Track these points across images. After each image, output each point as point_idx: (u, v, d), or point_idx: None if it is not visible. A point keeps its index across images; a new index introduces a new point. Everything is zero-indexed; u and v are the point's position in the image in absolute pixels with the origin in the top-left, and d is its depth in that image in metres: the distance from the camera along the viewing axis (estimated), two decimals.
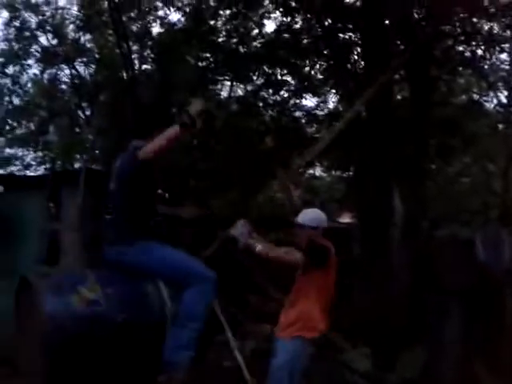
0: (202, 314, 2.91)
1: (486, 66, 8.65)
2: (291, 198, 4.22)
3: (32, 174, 13.59)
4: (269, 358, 3.36)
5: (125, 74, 9.77)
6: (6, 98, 11.75)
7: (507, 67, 9.43)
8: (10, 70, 11.30)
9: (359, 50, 7.91)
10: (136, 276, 3.04)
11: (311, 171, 12.38)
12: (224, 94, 10.50)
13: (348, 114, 6.27)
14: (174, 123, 2.85)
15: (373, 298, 6.03)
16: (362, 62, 7.86)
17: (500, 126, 10.85)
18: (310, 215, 3.52)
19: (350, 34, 7.95)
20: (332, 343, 5.26)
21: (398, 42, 7.35)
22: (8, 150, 13.77)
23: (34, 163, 13.90)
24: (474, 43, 7.89)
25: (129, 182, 3.00)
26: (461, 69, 8.59)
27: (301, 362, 3.28)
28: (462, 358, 4.82)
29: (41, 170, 13.48)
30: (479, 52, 8.03)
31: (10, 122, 11.95)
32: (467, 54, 8.08)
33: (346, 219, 12.20)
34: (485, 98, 10.08)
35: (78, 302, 2.85)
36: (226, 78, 9.76)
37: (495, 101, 10.22)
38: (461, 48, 8.10)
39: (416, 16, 7.57)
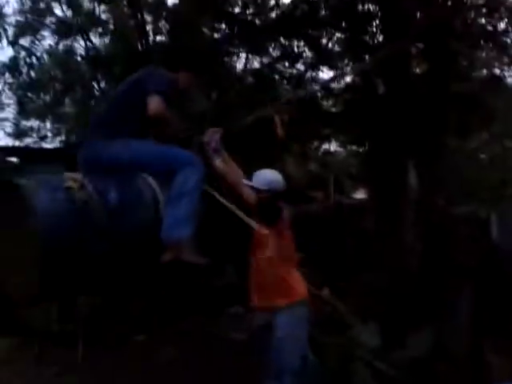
0: (192, 191, 2.88)
1: (508, 40, 8.39)
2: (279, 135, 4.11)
3: (48, 145, 13.72)
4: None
5: (139, 46, 9.70)
6: (24, 71, 11.74)
7: None
8: (26, 42, 11.24)
9: (377, 22, 7.73)
10: (122, 170, 3.03)
11: (326, 146, 12.28)
12: (239, 66, 10.37)
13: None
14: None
15: (384, 275, 6.02)
16: (380, 35, 7.69)
17: None
18: (266, 176, 3.44)
19: (369, 5, 7.75)
20: (340, 318, 5.29)
21: (417, 15, 7.15)
22: (24, 122, 13.88)
23: (49, 135, 14.00)
24: (496, 16, 7.65)
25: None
26: (482, 42, 8.34)
27: (303, 328, 3.28)
28: (473, 337, 4.82)
29: (56, 142, 13.58)
30: (502, 25, 7.80)
31: (28, 95, 11.94)
32: (489, 27, 7.84)
33: (360, 195, 12.16)
34: (506, 73, 9.80)
35: (74, 185, 2.83)
36: (241, 50, 9.61)
37: None
38: (483, 21, 7.86)
39: None
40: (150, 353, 5.34)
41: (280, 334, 3.24)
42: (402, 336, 5.11)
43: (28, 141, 14.20)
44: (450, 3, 7.08)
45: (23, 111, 12.97)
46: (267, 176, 3.46)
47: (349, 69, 9.05)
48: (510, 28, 7.88)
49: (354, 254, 8.51)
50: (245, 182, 3.38)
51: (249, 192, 3.28)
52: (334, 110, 9.94)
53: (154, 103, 2.87)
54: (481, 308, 5.05)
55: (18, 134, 14.07)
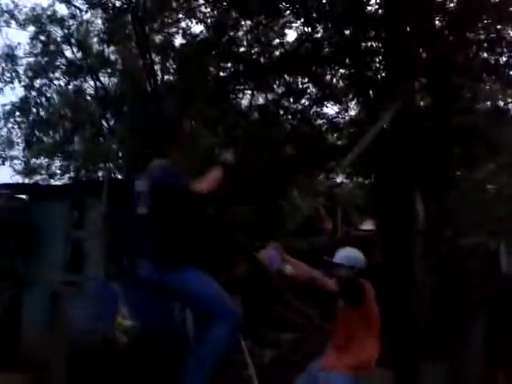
0: (222, 349, 2.94)
1: (510, 73, 8.52)
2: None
3: (56, 183, 13.87)
4: (287, 366, 3.33)
5: (148, 85, 9.93)
6: (33, 110, 12.02)
7: None
8: (37, 83, 11.56)
9: (380, 58, 7.89)
10: (165, 299, 3.04)
11: (332, 178, 12.32)
12: (245, 102, 10.57)
13: (377, 125, 6.22)
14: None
15: (395, 308, 5.95)
16: (384, 71, 7.84)
17: None
18: (347, 254, 3.49)
19: (372, 42, 7.93)
20: None
21: (421, 50, 7.30)
22: (34, 160, 14.07)
23: (58, 172, 14.18)
24: (498, 50, 7.79)
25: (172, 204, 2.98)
26: (484, 76, 8.47)
27: None
28: (486, 370, 4.73)
29: (65, 179, 13.73)
30: (503, 59, 7.93)
31: (37, 133, 12.19)
32: (491, 60, 7.97)
33: (367, 226, 12.11)
34: (510, 105, 9.92)
35: (121, 332, 2.88)
36: (247, 87, 9.82)
37: None
38: (485, 55, 8.01)
39: (439, 23, 7.53)
40: None
41: None
42: (414, 369, 5.03)
43: (37, 178, 14.38)
44: (451, 38, 7.23)
45: (33, 149, 13.20)
46: (351, 253, 3.53)
47: (354, 107, 9.17)
48: (511, 61, 8.02)
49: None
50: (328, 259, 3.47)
51: (326, 280, 3.33)
52: (339, 143, 10.03)
53: (195, 188, 2.90)
54: (494, 340, 4.97)
55: (28, 171, 14.27)
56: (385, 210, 7.34)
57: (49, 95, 12.10)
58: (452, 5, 7.41)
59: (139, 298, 3.05)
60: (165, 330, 3.06)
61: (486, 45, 7.69)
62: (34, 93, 11.60)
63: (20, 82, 11.25)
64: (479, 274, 5.70)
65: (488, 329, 5.11)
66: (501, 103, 9.97)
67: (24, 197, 11.17)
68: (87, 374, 2.87)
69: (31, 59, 11.47)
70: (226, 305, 2.99)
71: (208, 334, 2.92)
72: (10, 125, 12.60)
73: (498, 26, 7.44)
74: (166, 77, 10.68)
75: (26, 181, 13.98)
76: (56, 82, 12.00)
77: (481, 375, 4.79)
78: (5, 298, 5.50)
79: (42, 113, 12.19)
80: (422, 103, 8.66)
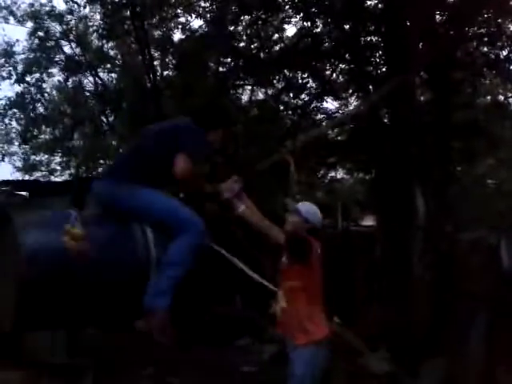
0: (183, 261, 2.89)
1: (510, 68, 8.50)
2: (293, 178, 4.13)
3: (57, 179, 13.87)
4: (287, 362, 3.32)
5: (147, 81, 9.90)
6: (30, 106, 11.98)
7: None
8: (33, 78, 11.50)
9: (380, 53, 7.86)
10: (122, 218, 3.04)
11: (332, 174, 12.33)
12: (245, 98, 10.54)
13: (356, 108, 6.24)
14: None
15: (395, 303, 5.96)
16: (384, 66, 7.82)
17: None
18: (308, 207, 3.46)
19: (371, 37, 7.90)
20: (350, 346, 5.23)
21: (421, 45, 7.28)
22: (33, 157, 14.07)
23: (58, 168, 14.18)
24: (498, 44, 7.77)
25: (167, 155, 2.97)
26: (485, 70, 8.45)
27: (320, 367, 3.25)
28: (486, 366, 4.74)
29: (65, 176, 13.73)
30: (504, 53, 7.91)
31: (32, 129, 12.15)
32: (491, 55, 7.95)
33: (367, 222, 12.11)
34: (510, 100, 9.91)
35: (69, 240, 2.84)
36: (247, 82, 9.79)
37: None
38: (485, 49, 7.98)
39: (439, 18, 7.50)
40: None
41: (295, 371, 3.24)
42: (413, 365, 5.03)
43: (37, 175, 14.38)
44: (452, 33, 7.21)
45: (32, 145, 13.18)
46: (307, 206, 3.49)
47: (354, 103, 9.19)
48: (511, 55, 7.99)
49: (362, 282, 8.44)
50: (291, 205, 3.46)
51: (276, 232, 3.31)
52: (339, 138, 10.02)
53: (182, 163, 2.89)
54: (494, 335, 4.98)
55: (28, 168, 14.27)
56: (385, 205, 7.35)
57: (47, 91, 12.06)
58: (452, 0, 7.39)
59: (99, 223, 3.04)
60: (129, 258, 3.03)
61: (486, 39, 7.66)
62: (32, 89, 11.55)
63: (18, 77, 11.20)
64: (479, 269, 5.69)
65: (488, 324, 5.11)
66: (501, 98, 9.97)
67: (24, 193, 11.18)
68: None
69: (30, 55, 11.42)
70: (190, 215, 2.97)
71: (171, 246, 2.89)
72: (7, 120, 12.60)
73: (499, 20, 7.41)
74: (165, 72, 10.64)
75: (26, 177, 14.01)
76: (55, 78, 11.96)
77: (481, 371, 4.80)
78: None
79: (40, 109, 12.16)
80: (422, 98, 8.64)
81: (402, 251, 6.49)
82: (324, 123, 9.77)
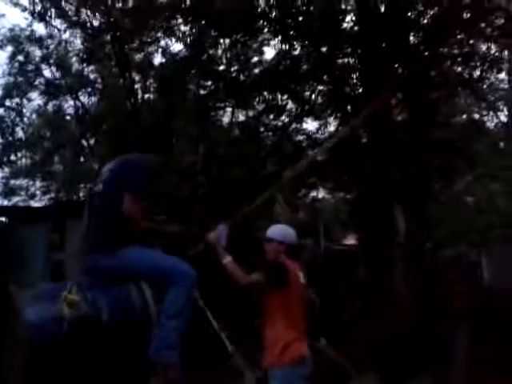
0: (183, 312, 2.92)
1: (484, 86, 8.71)
2: (283, 214, 4.24)
3: (36, 204, 13.71)
4: None
5: (128, 104, 9.92)
6: (9, 130, 11.91)
7: (506, 86, 9.49)
8: (13, 103, 11.47)
9: (357, 74, 8.01)
10: (117, 280, 3.06)
11: (314, 193, 12.41)
12: (225, 119, 10.62)
13: (339, 133, 6.35)
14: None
15: (379, 322, 5.97)
16: (361, 86, 7.95)
17: (501, 144, 10.88)
18: (278, 229, 3.54)
19: (348, 58, 8.05)
20: (338, 368, 5.21)
21: (396, 65, 7.44)
22: (13, 181, 13.91)
23: (38, 193, 14.03)
24: (471, 64, 7.96)
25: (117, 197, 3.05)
26: (459, 89, 8.65)
27: None
28: (469, 380, 4.76)
29: (45, 200, 13.58)
30: (477, 73, 8.10)
31: (11, 154, 12.07)
32: (465, 74, 8.14)
33: (350, 241, 12.18)
34: (485, 118, 10.14)
35: (65, 307, 2.85)
36: (228, 104, 9.87)
37: (495, 120, 10.28)
38: (459, 69, 8.17)
39: (413, 39, 7.68)
40: None
41: None
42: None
43: (17, 199, 14.21)
44: (426, 54, 7.38)
45: (11, 170, 13.06)
46: (277, 228, 3.58)
47: (334, 123, 9.30)
48: (484, 74, 8.19)
49: (346, 302, 8.45)
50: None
51: (255, 277, 3.34)
52: (319, 158, 10.11)
53: (129, 203, 2.98)
54: (476, 351, 5.01)
55: (7, 192, 14.09)
56: (366, 224, 7.40)
57: (27, 115, 12.02)
58: (426, 21, 7.57)
59: (95, 288, 3.06)
60: (128, 318, 3.05)
61: (459, 59, 7.85)
62: (11, 112, 11.49)
63: None
64: (460, 285, 5.76)
65: (470, 340, 5.14)
66: (476, 116, 10.19)
67: (3, 219, 11.03)
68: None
69: (10, 79, 11.39)
70: (176, 265, 3.02)
71: (166, 299, 2.93)
72: None
73: (471, 41, 7.61)
74: (146, 95, 10.69)
75: (5, 203, 13.82)
76: (34, 102, 11.94)
77: None
78: None
79: (19, 133, 12.10)
80: (399, 118, 8.79)
81: (384, 269, 6.53)
82: (304, 144, 9.86)
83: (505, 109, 10.69)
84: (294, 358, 3.24)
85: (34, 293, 3.11)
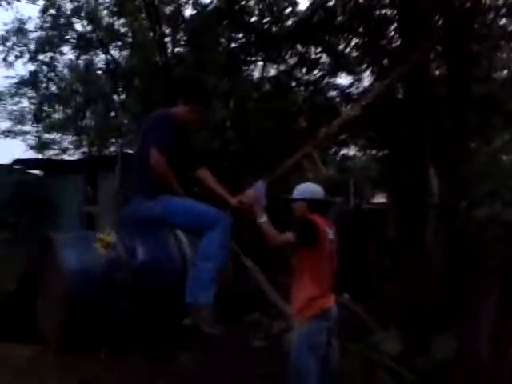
0: (217, 254, 2.98)
1: None
2: (318, 173, 4.21)
3: (69, 158, 13.97)
4: None
5: (158, 58, 9.84)
6: (43, 85, 12.01)
7: None
8: (46, 57, 11.50)
9: (395, 26, 7.70)
10: (154, 227, 3.15)
11: (345, 151, 12.24)
12: (256, 74, 10.43)
13: (375, 89, 6.16)
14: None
15: (408, 279, 5.95)
16: (398, 39, 7.65)
17: None
18: (300, 188, 3.57)
19: (386, 10, 7.74)
20: (363, 324, 5.24)
21: (436, 18, 7.11)
22: (46, 135, 14.15)
23: (70, 147, 14.27)
24: None
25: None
26: (502, 43, 8.25)
27: (318, 342, 3.28)
28: (498, 341, 4.72)
29: (78, 154, 13.81)
30: None
31: (45, 108, 12.21)
32: (509, 27, 7.76)
33: (380, 200, 12.07)
34: None
35: (100, 247, 2.96)
36: (259, 58, 9.68)
37: None
38: (503, 21, 7.79)
39: None
40: (172, 360, 5.35)
41: (293, 346, 3.34)
42: (424, 342, 5.03)
43: (50, 153, 14.49)
44: (468, 5, 7.03)
45: (44, 124, 13.26)
46: (302, 186, 3.59)
47: (368, 78, 9.03)
48: None
49: (374, 259, 8.44)
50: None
51: (287, 236, 3.37)
52: (351, 114, 9.89)
53: (154, 157, 3.02)
54: (507, 310, 4.94)
55: (40, 146, 14.37)
56: (398, 182, 7.28)
57: (59, 69, 12.06)
58: None
59: (133, 235, 3.17)
60: (165, 263, 3.16)
61: (504, 11, 7.46)
62: (44, 67, 11.54)
63: (30, 56, 11.20)
64: (494, 245, 5.64)
65: (501, 298, 5.08)
66: None
67: (38, 172, 11.28)
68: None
69: (42, 33, 11.38)
70: (210, 211, 3.09)
71: (201, 244, 3.00)
72: (17, 99, 12.65)
73: None
74: (176, 49, 10.55)
75: (39, 156, 14.12)
76: (66, 56, 11.94)
77: (492, 346, 4.79)
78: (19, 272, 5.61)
79: (52, 87, 12.18)
80: (437, 72, 8.48)
81: (415, 228, 6.44)
82: (337, 100, 9.65)
83: None
84: (317, 312, 3.29)
85: (71, 235, 3.23)
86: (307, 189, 3.55)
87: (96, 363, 4.83)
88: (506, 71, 9.83)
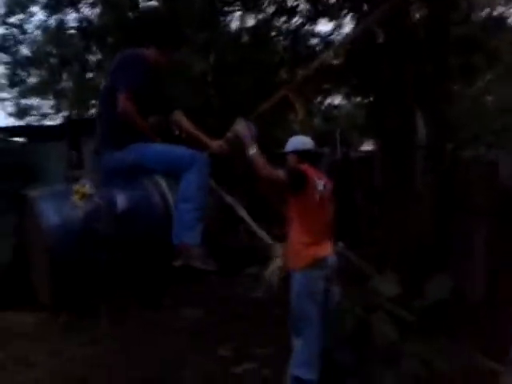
0: (195, 195, 2.96)
1: None
2: (298, 115, 4.20)
3: (50, 123, 13.70)
4: None
5: (131, 13, 9.51)
6: (14, 49, 11.62)
7: None
8: (15, 19, 11.08)
9: None
10: (130, 175, 3.11)
11: (330, 100, 12.15)
12: (234, 26, 10.17)
13: (354, 31, 6.06)
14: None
15: (397, 222, 6.04)
16: None
17: None
18: (290, 141, 3.62)
19: None
20: (359, 271, 5.34)
21: None
22: (24, 101, 13.81)
23: (50, 112, 13.96)
24: None
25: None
26: None
27: (317, 288, 3.36)
28: (488, 279, 4.87)
29: (59, 119, 13.54)
30: None
31: (19, 72, 11.86)
32: None
33: (367, 147, 12.09)
34: (506, 14, 9.60)
35: (77, 199, 2.92)
36: (236, 8, 9.40)
37: None
38: None
39: None
40: (173, 316, 5.45)
41: (293, 294, 3.41)
42: (420, 283, 5.16)
43: (30, 119, 14.20)
44: None
45: (21, 90, 12.91)
46: (293, 139, 3.64)
47: (349, 24, 8.86)
48: None
49: (363, 206, 8.53)
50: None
51: (278, 172, 3.38)
52: (334, 62, 9.75)
53: (120, 102, 2.90)
54: (495, 249, 5.08)
55: (19, 113, 14.05)
56: (385, 127, 7.27)
57: (30, 31, 11.64)
58: None
59: (110, 184, 3.12)
60: (146, 208, 3.14)
61: None
62: (14, 30, 11.13)
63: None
64: (479, 185, 5.73)
65: (489, 237, 5.21)
66: (498, 11, 9.64)
67: (19, 139, 11.05)
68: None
69: None
70: (186, 153, 3.03)
71: (179, 187, 2.98)
72: None
73: None
74: (150, 2, 10.20)
75: (20, 123, 13.82)
76: (36, 17, 11.51)
77: (482, 284, 4.94)
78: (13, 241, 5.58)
79: (24, 50, 11.80)
80: (417, 15, 8.34)
81: (403, 171, 6.49)
82: (318, 48, 9.48)
83: None
84: (312, 260, 3.34)
85: (48, 190, 3.17)
86: (295, 141, 3.60)
87: (99, 322, 4.94)
88: (484, 12, 9.72)
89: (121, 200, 3.09)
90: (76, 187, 2.96)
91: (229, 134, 3.34)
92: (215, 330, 5.14)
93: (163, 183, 3.25)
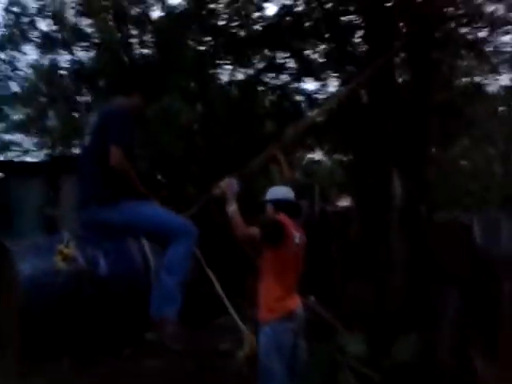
0: (183, 268, 2.95)
1: (488, 49, 8.57)
2: (284, 175, 4.27)
3: (31, 159, 13.61)
4: None
5: (125, 59, 9.72)
6: (3, 84, 11.72)
7: (510, 49, 9.33)
8: (8, 56, 11.24)
9: (361, 32, 7.84)
10: (115, 234, 3.04)
11: (311, 155, 12.37)
12: (224, 78, 10.43)
13: (340, 92, 6.27)
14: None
15: (371, 283, 6.05)
16: (364, 45, 7.80)
17: (500, 109, 10.82)
18: (271, 191, 3.63)
19: (352, 16, 7.87)
20: (327, 326, 5.30)
21: (401, 25, 7.27)
22: (7, 136, 13.77)
23: (33, 148, 13.90)
24: (477, 25, 7.81)
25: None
26: (463, 51, 8.51)
27: (286, 343, 3.32)
28: (459, 343, 4.86)
29: (40, 156, 13.47)
30: (482, 34, 7.95)
31: (6, 108, 11.91)
32: (470, 36, 7.99)
33: (344, 203, 12.23)
34: (487, 81, 10.02)
35: (59, 260, 2.86)
36: (227, 62, 9.68)
37: (497, 84, 10.17)
38: (464, 30, 8.01)
39: None
40: (137, 365, 5.29)
41: (260, 349, 3.37)
42: (388, 343, 5.13)
43: (11, 155, 14.09)
44: (431, 13, 7.21)
45: (5, 125, 12.92)
46: (273, 189, 3.66)
47: (334, 83, 9.15)
48: (490, 37, 8.05)
49: (339, 261, 8.54)
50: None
51: (253, 230, 3.38)
52: (318, 119, 10.02)
53: (114, 155, 2.87)
54: (467, 313, 5.10)
55: (1, 147, 13.97)
56: (362, 186, 7.40)
57: (22, 69, 11.79)
58: None
59: (93, 242, 3.05)
60: (129, 275, 3.07)
61: (464, 20, 7.69)
62: (5, 66, 11.26)
63: None
64: (453, 248, 5.81)
65: (461, 301, 5.23)
66: (478, 79, 10.06)
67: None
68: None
69: (5, 32, 11.10)
70: (176, 221, 3.02)
71: (166, 255, 2.93)
72: None
73: (478, 1, 7.44)
74: (143, 50, 10.45)
75: (0, 158, 13.72)
76: (29, 56, 11.69)
77: (453, 347, 4.93)
78: None
79: (13, 87, 11.89)
80: (401, 78, 8.67)
81: (379, 231, 6.56)
82: (303, 105, 9.74)
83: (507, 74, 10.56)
84: (282, 313, 3.32)
85: (29, 244, 3.11)
86: (275, 191, 3.62)
87: (59, 370, 4.75)
88: (466, 79, 10.14)
89: (104, 264, 3.05)
90: (59, 247, 2.91)
91: (215, 191, 3.39)
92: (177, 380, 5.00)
93: (147, 247, 3.22)
